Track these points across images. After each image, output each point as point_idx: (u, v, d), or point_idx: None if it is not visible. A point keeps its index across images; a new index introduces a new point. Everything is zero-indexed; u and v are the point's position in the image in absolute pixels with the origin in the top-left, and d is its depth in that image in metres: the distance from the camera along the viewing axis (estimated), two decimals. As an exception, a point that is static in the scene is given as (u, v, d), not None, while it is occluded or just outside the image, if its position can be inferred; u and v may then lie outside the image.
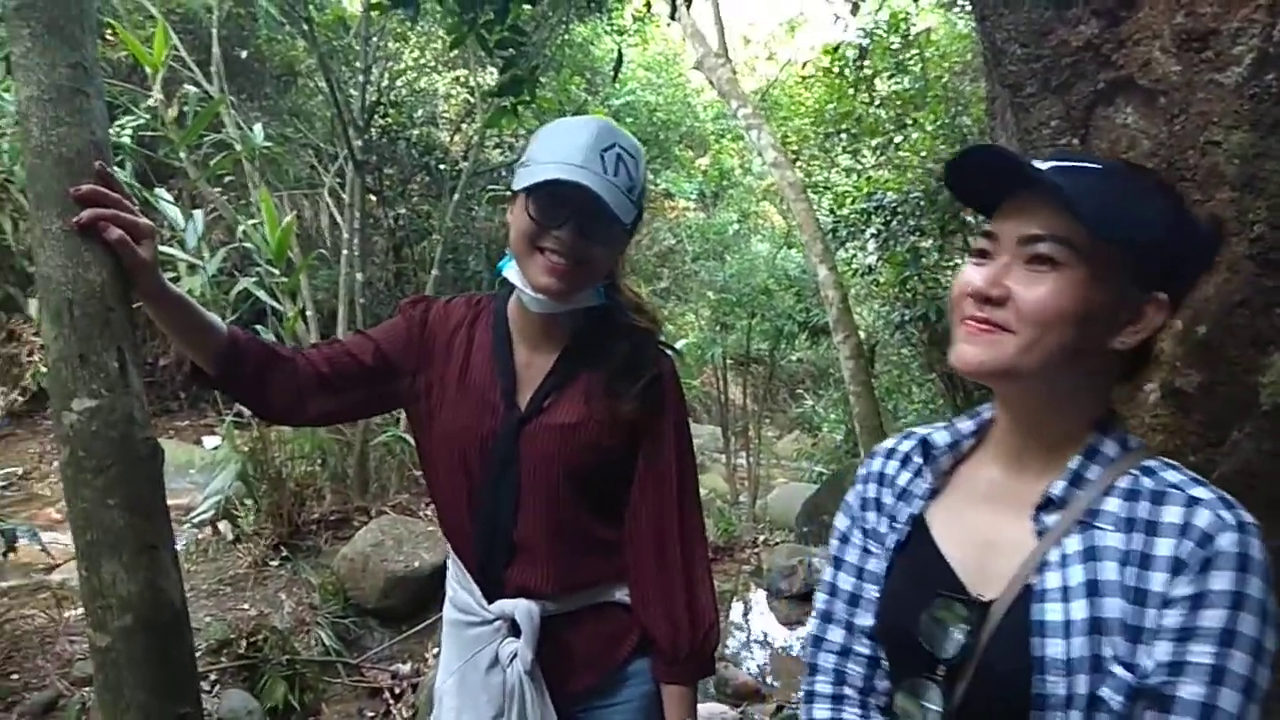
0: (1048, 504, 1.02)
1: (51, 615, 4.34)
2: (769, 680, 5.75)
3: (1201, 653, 0.90)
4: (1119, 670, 0.93)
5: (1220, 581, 0.90)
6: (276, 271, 5.46)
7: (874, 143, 7.71)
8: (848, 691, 1.20)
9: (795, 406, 14.34)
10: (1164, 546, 0.94)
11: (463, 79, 10.07)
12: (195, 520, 5.58)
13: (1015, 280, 0.98)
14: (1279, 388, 1.59)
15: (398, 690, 4.60)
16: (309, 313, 6.44)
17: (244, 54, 8.49)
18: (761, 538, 8.67)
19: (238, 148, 6.15)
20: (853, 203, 7.90)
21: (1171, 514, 0.95)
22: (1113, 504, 0.99)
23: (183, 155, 5.48)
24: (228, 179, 7.18)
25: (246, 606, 4.80)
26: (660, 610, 1.59)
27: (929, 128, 7.11)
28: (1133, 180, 1.02)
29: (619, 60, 3.94)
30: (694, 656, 1.62)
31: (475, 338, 1.65)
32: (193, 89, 6.24)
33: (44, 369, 7.25)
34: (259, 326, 5.31)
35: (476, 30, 2.70)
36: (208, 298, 5.03)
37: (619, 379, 1.57)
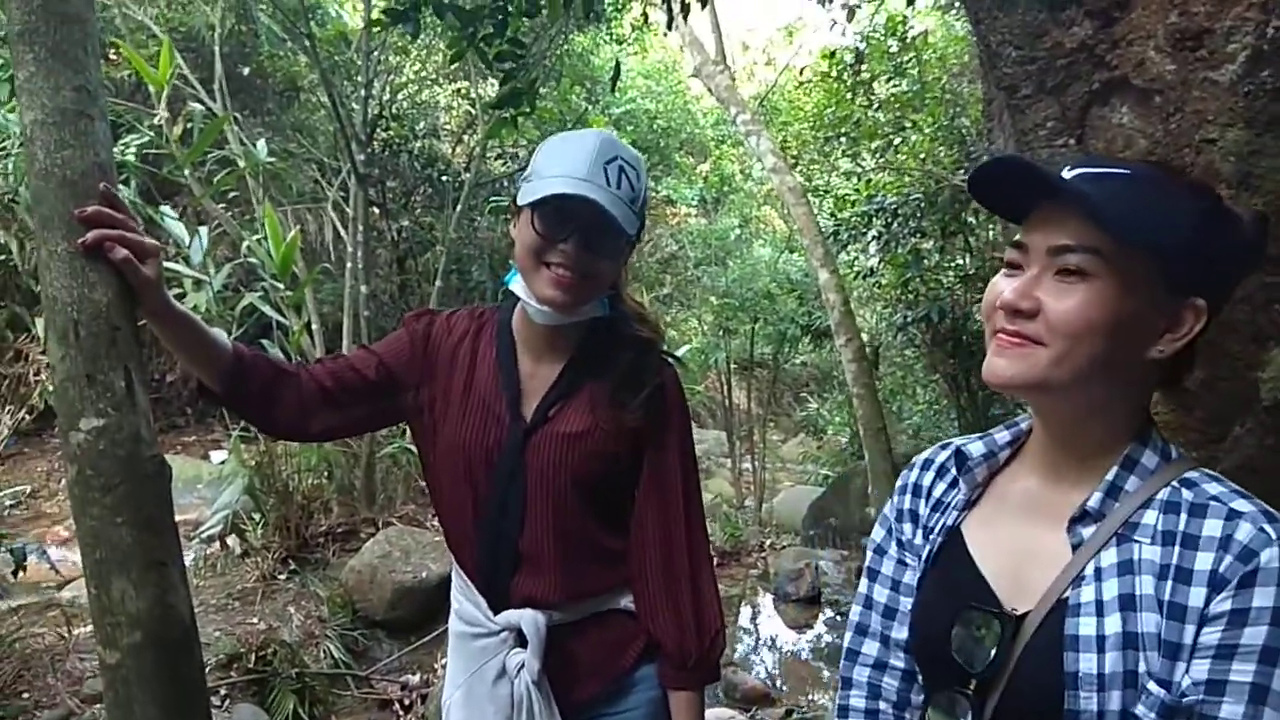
0: (1083, 516, 1.00)
1: (61, 633, 4.35)
2: (778, 684, 5.75)
3: (1242, 671, 0.87)
4: (1154, 687, 0.91)
5: (1262, 598, 0.88)
6: (281, 286, 5.49)
7: (873, 146, 7.72)
8: (882, 706, 1.19)
9: (799, 410, 14.33)
10: (1203, 561, 0.92)
11: (464, 91, 10.12)
12: (203, 535, 5.60)
13: (1045, 292, 0.96)
14: (1278, 382, 1.59)
15: (407, 701, 4.61)
16: (314, 326, 6.46)
17: (246, 70, 8.54)
18: (768, 542, 8.67)
19: (241, 164, 6.18)
20: (853, 206, 7.92)
21: (1211, 527, 0.93)
22: (1151, 516, 0.97)
23: (187, 172, 5.51)
24: (232, 195, 7.22)
25: (255, 620, 4.81)
26: (667, 617, 1.60)
27: (928, 130, 7.12)
28: (1162, 183, 0.98)
29: (617, 70, 3.96)
30: (701, 663, 1.62)
31: (479, 350, 1.66)
32: (197, 106, 6.27)
33: (51, 388, 7.29)
34: (264, 341, 5.34)
35: (476, 44, 2.72)
36: (213, 313, 5.06)
37: (623, 388, 1.58)
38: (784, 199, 8.08)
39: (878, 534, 1.23)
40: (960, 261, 7.49)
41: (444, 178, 9.82)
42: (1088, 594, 0.96)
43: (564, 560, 1.59)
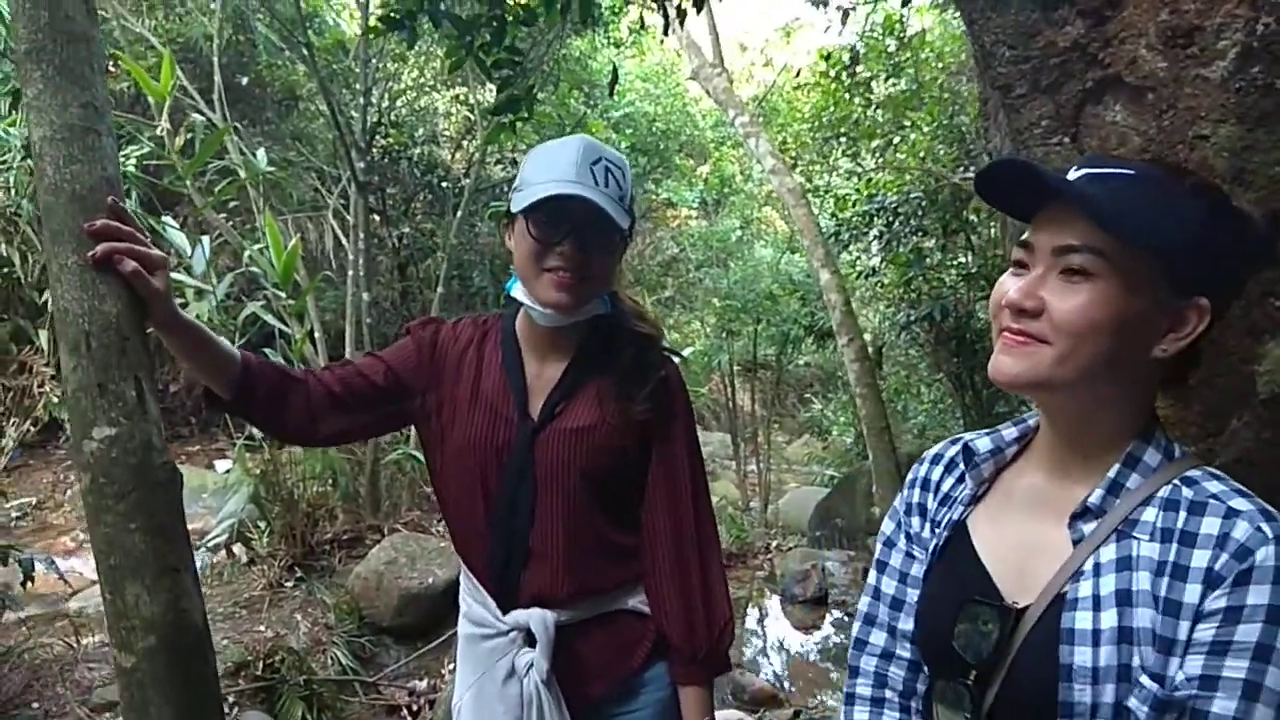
0: (1085, 512, 1.02)
1: (70, 643, 4.37)
2: (786, 686, 5.76)
3: (1235, 667, 0.89)
4: (1147, 681, 0.93)
5: (1257, 595, 0.90)
6: (284, 295, 5.51)
7: (872, 145, 7.74)
8: (888, 695, 1.21)
9: (804, 411, 14.35)
10: (1200, 558, 0.93)
11: (462, 96, 10.15)
12: (209, 544, 5.62)
13: (1050, 291, 0.98)
14: (1276, 376, 1.61)
15: (415, 707, 4.63)
16: (317, 334, 6.49)
17: (245, 80, 8.57)
18: (774, 543, 8.68)
19: (242, 173, 6.22)
20: (854, 206, 7.94)
21: (1209, 525, 0.94)
22: (1151, 514, 0.99)
23: (188, 183, 5.55)
24: (232, 204, 7.25)
25: (263, 628, 4.83)
26: (678, 608, 1.63)
27: (926, 129, 7.14)
28: (1166, 183, 1.00)
29: (615, 75, 3.99)
30: (711, 655, 1.65)
31: (485, 355, 1.69)
32: (198, 117, 6.31)
33: (55, 400, 7.32)
34: (267, 350, 5.36)
35: (474, 52, 2.75)
36: (216, 322, 5.08)
37: (628, 382, 1.61)
38: (784, 200, 8.10)
39: (887, 527, 1.26)
40: (962, 260, 7.51)
41: (444, 184, 9.85)
42: (1085, 589, 0.98)
43: (573, 556, 1.61)
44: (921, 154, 7.20)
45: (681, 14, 3.13)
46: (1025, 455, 1.15)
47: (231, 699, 4.21)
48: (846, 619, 6.78)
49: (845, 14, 5.92)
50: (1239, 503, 0.95)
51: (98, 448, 1.27)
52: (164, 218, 5.34)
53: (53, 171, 1.30)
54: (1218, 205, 1.01)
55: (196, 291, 5.17)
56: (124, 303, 1.33)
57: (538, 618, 1.60)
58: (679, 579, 1.63)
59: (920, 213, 7.12)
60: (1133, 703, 0.93)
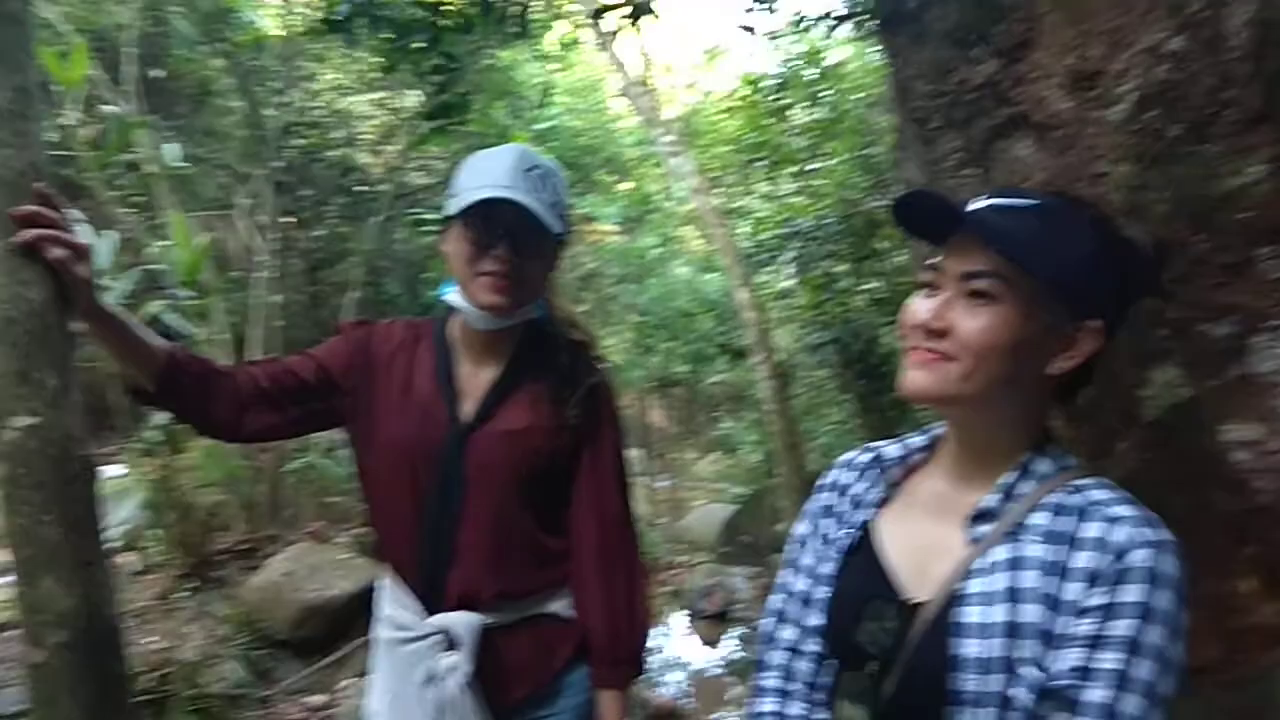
0: (981, 515, 1.10)
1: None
2: (688, 700, 5.80)
3: (1109, 659, 0.97)
4: (1029, 671, 1.00)
5: (1131, 594, 0.98)
6: (189, 294, 5.35)
7: (790, 170, 7.95)
8: (794, 687, 1.27)
9: (714, 428, 14.52)
10: (1082, 559, 1.01)
11: (384, 101, 10.01)
12: (101, 550, 5.38)
13: (957, 313, 1.05)
14: (1160, 400, 1.74)
15: (310, 722, 4.52)
16: (222, 336, 6.31)
17: (158, 73, 8.29)
18: (681, 559, 8.76)
19: (151, 167, 6.01)
20: (770, 228, 8.13)
21: (1093, 529, 1.02)
22: (1041, 517, 1.06)
23: (94, 175, 5.34)
24: (138, 199, 7.00)
25: (153, 639, 4.65)
26: (602, 611, 1.65)
27: (843, 157, 7.37)
28: (1065, 214, 1.09)
29: (546, 92, 4.04)
30: (632, 658, 1.68)
31: (417, 356, 1.70)
32: (111, 108, 6.08)
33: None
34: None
35: (408, 56, 2.76)
36: (118, 320, 4.88)
37: (561, 388, 1.64)
38: (705, 219, 8.24)
39: (800, 528, 1.33)
40: (872, 285, 7.75)
41: (361, 187, 9.69)
42: (977, 586, 1.06)
43: (501, 558, 1.63)
44: (837, 181, 7.43)
45: (618, 31, 3.20)
46: (931, 462, 1.23)
47: (119, 711, 4.03)
48: (750, 633, 6.89)
49: (774, 41, 6.10)
50: (1122, 509, 1.05)
51: (17, 436, 1.24)
52: (69, 210, 5.12)
53: (-20, 155, 1.27)
54: (1111, 236, 1.12)
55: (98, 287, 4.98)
56: (49, 290, 1.30)
57: (463, 620, 1.61)
58: (604, 583, 1.66)
59: (834, 238, 7.34)
60: (1017, 692, 1.01)
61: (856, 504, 1.26)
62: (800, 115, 7.82)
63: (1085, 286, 1.07)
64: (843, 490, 1.29)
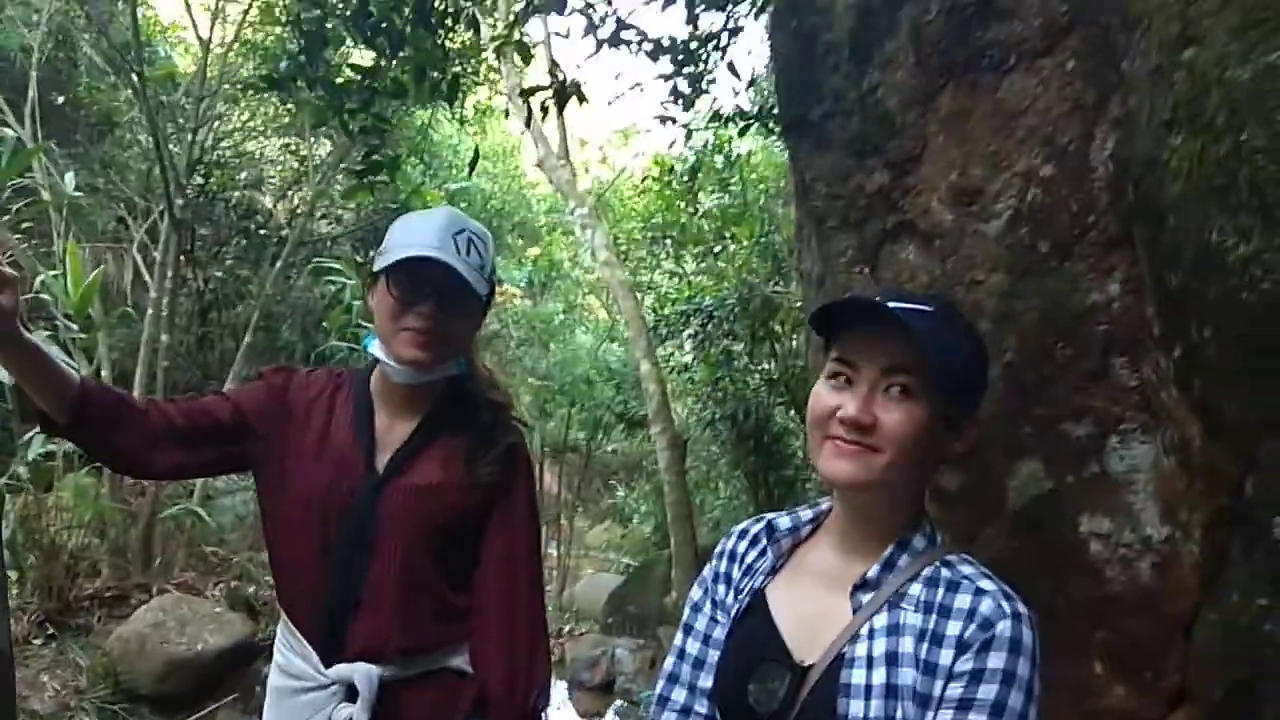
0: (863, 585, 1.17)
1: None
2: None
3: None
4: None
5: (996, 660, 1.06)
6: (75, 327, 5.14)
7: (696, 250, 8.21)
8: None
9: (608, 497, 14.51)
10: (953, 628, 1.09)
11: (293, 146, 9.91)
12: (-53, 593, 5.03)
13: (879, 408, 1.14)
14: (1024, 491, 1.87)
15: (169, 784, 4.27)
16: (104, 373, 6.06)
17: (60, 99, 8.05)
18: (567, 628, 8.67)
19: (45, 195, 5.81)
20: (674, 304, 8.33)
21: (961, 600, 1.11)
22: (916, 588, 1.15)
23: (-17, 198, 5.13)
24: (26, 226, 6.73)
25: (1, 690, 4.35)
26: (503, 666, 1.66)
27: (745, 242, 7.67)
28: (954, 321, 1.23)
29: (475, 157, 4.13)
30: (529, 712, 1.69)
31: (336, 405, 1.71)
32: (8, 131, 5.87)
33: None
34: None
35: (340, 115, 2.81)
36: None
37: (477, 446, 1.67)
38: (613, 291, 8.40)
39: (695, 593, 1.39)
40: (766, 365, 8.00)
41: (262, 231, 9.52)
42: (861, 650, 1.15)
43: (406, 611, 1.63)
44: (739, 264, 7.70)
45: (545, 109, 3.32)
46: (818, 534, 1.32)
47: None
48: (631, 706, 6.84)
49: (689, 132, 6.36)
50: (985, 584, 1.15)
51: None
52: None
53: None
54: (979, 342, 1.27)
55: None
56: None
57: (362, 672, 1.60)
58: (507, 639, 1.67)
59: (733, 318, 7.58)
60: None
61: (749, 572, 1.33)
62: (708, 200, 8.12)
63: (973, 383, 1.22)
64: (736, 558, 1.36)
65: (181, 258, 7.58)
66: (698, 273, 8.52)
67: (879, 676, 1.11)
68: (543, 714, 1.75)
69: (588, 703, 7.04)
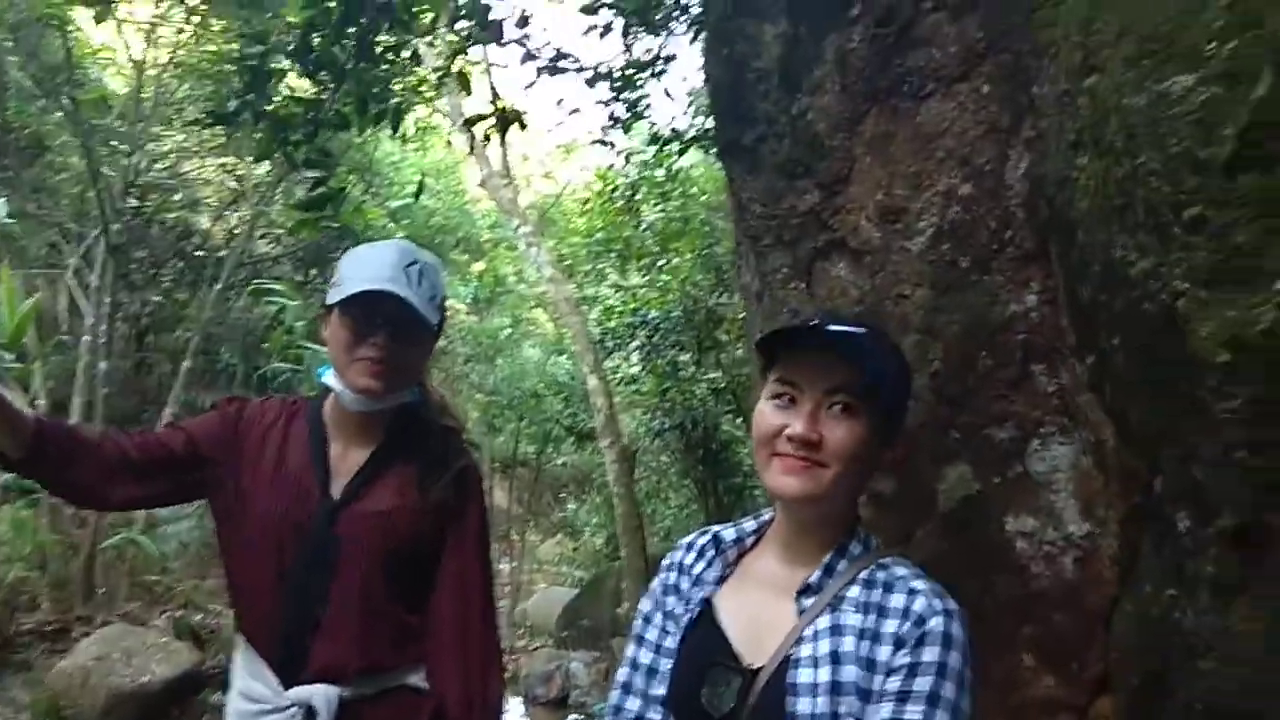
0: (806, 589, 1.26)
1: None
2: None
3: (914, 710, 1.13)
4: None
5: (930, 654, 1.16)
6: (10, 356, 5.03)
7: (640, 264, 8.30)
8: None
9: (558, 510, 14.50)
10: (890, 626, 1.19)
11: (229, 166, 9.79)
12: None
13: (823, 425, 1.23)
14: (953, 494, 1.97)
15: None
16: (40, 402, 5.93)
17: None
18: (520, 643, 8.65)
19: (-27, 221, 5.67)
20: (620, 317, 8.41)
21: (897, 600, 1.21)
22: (855, 591, 1.24)
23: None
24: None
25: (-63, 731, 4.24)
26: (458, 685, 1.70)
27: (688, 255, 7.77)
28: (884, 343, 1.34)
29: (420, 187, 4.18)
30: None
31: (291, 434, 1.74)
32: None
33: None
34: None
35: (284, 148, 2.83)
36: (-78, 381, 4.55)
37: (431, 470, 1.72)
38: (559, 307, 8.44)
39: (645, 605, 1.46)
40: (713, 375, 8.10)
41: (199, 253, 9.38)
42: (806, 650, 1.23)
43: (364, 632, 1.66)
44: (683, 277, 7.80)
45: (487, 138, 3.37)
46: (762, 544, 1.39)
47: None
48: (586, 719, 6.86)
49: (627, 157, 6.50)
50: (918, 583, 1.25)
51: None
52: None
53: None
54: (905, 360, 1.39)
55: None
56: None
57: (321, 693, 1.63)
58: (461, 659, 1.71)
59: (678, 329, 7.68)
60: None
61: (697, 582, 1.40)
62: (650, 214, 8.22)
63: (902, 399, 1.33)
64: (685, 570, 1.43)
65: (118, 282, 7.45)
66: (642, 286, 8.60)
67: (824, 675, 1.19)
68: None
69: (543, 717, 7.04)
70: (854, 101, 1.99)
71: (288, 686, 1.66)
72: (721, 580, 1.38)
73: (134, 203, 8.14)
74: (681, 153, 5.40)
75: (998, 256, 1.90)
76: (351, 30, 2.67)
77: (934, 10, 1.90)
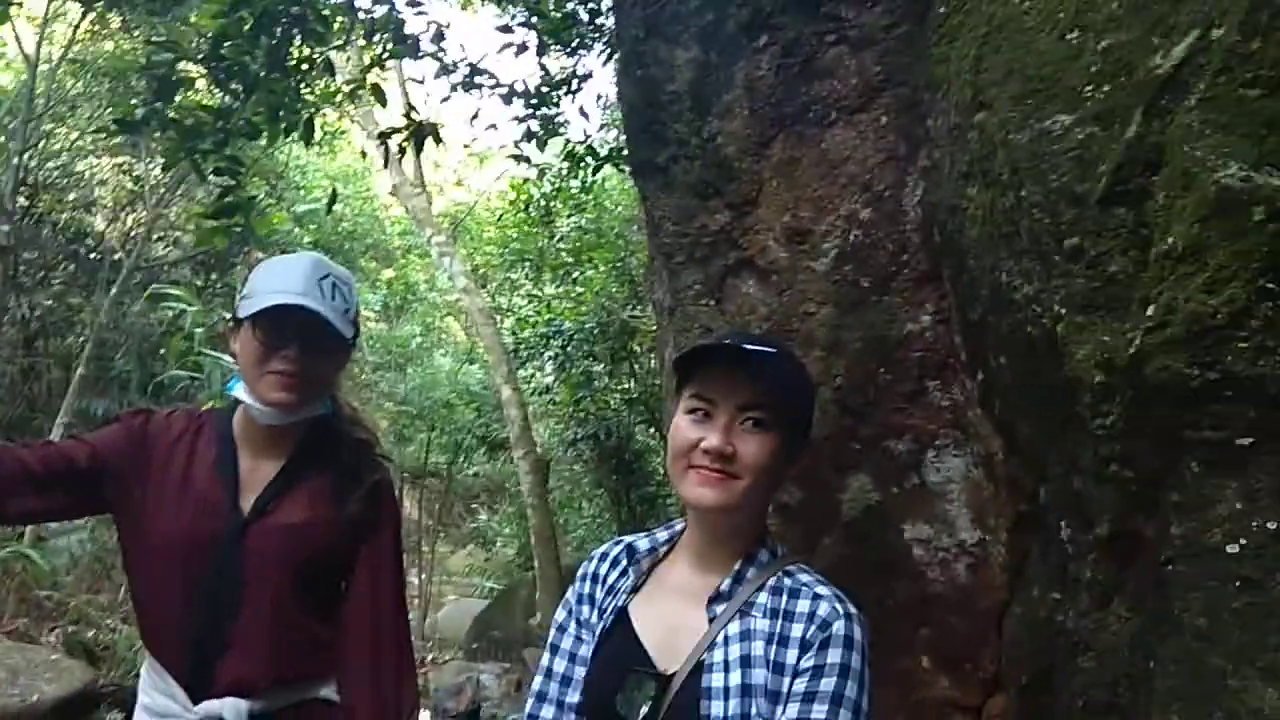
0: (717, 596, 1.30)
1: None
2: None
3: (819, 710, 1.18)
4: None
5: (834, 656, 1.21)
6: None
7: (555, 275, 8.31)
8: None
9: (470, 521, 14.36)
10: (796, 630, 1.23)
11: (126, 166, 9.44)
12: None
13: (737, 439, 1.27)
14: (855, 503, 2.05)
15: None
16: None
17: None
18: (430, 656, 8.54)
19: None
20: (534, 327, 8.40)
21: (802, 605, 1.26)
22: (763, 597, 1.28)
23: None
24: None
25: None
26: (370, 697, 1.69)
27: (603, 267, 7.82)
28: (792, 362, 1.40)
29: (333, 197, 4.13)
30: None
31: (198, 447, 1.71)
32: None
33: None
34: None
35: (192, 156, 2.76)
36: None
37: (344, 483, 1.71)
38: (472, 316, 8.39)
39: (560, 615, 1.49)
40: (626, 385, 8.16)
41: (94, 255, 9.01)
42: (717, 655, 1.27)
43: (275, 645, 1.65)
44: (597, 288, 7.85)
45: (401, 150, 3.35)
46: (674, 553, 1.44)
47: None
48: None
49: (541, 172, 6.55)
50: (822, 590, 1.31)
51: None
52: None
53: None
54: (810, 378, 1.46)
55: None
56: None
57: (230, 707, 1.60)
58: (373, 670, 1.71)
59: (593, 340, 7.71)
60: None
61: (611, 591, 1.44)
62: (565, 224, 8.24)
63: (808, 414, 1.40)
64: (599, 579, 1.46)
65: (6, 284, 7.11)
66: (557, 296, 8.62)
67: (735, 678, 1.24)
68: None
69: (452, 731, 6.96)
70: (762, 127, 2.07)
71: (196, 701, 1.64)
72: (635, 589, 1.41)
73: (24, 202, 7.78)
74: (596, 169, 5.46)
75: (896, 278, 2.00)
76: (264, 40, 2.63)
77: (836, 44, 1.99)
